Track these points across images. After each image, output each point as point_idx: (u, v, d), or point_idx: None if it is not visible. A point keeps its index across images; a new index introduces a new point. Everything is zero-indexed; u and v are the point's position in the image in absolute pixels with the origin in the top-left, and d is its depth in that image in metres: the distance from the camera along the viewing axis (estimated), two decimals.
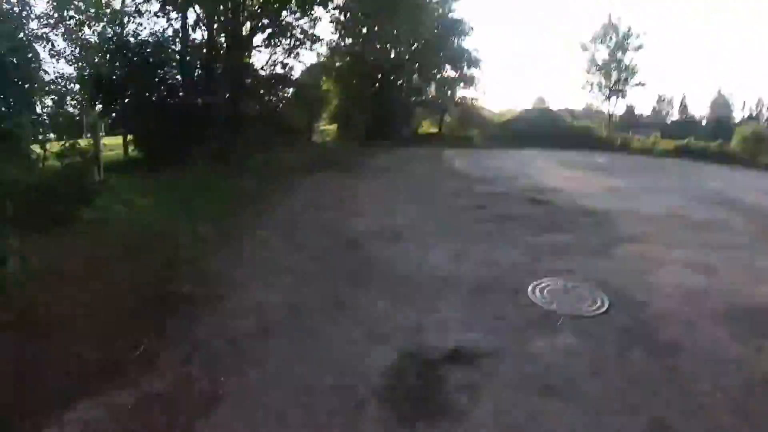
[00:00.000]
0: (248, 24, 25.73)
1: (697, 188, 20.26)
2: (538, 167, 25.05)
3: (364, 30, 38.34)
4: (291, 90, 29.93)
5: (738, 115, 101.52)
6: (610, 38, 51.77)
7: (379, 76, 39.64)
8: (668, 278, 8.26)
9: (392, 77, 40.33)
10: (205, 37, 24.40)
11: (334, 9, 34.00)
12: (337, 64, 39.88)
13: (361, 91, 39.58)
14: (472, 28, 42.98)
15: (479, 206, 13.91)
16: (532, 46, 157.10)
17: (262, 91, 27.90)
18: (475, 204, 14.41)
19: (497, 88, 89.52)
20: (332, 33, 37.48)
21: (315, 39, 29.28)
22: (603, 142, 45.65)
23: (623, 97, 54.13)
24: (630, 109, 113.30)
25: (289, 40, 27.72)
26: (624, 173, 25.21)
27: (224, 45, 25.06)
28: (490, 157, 29.68)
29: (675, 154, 45.22)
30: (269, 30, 26.60)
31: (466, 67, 44.03)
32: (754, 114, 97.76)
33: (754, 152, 46.78)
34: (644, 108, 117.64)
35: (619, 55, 52.08)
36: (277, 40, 27.17)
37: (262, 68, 27.75)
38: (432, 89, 45.46)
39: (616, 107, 59.78)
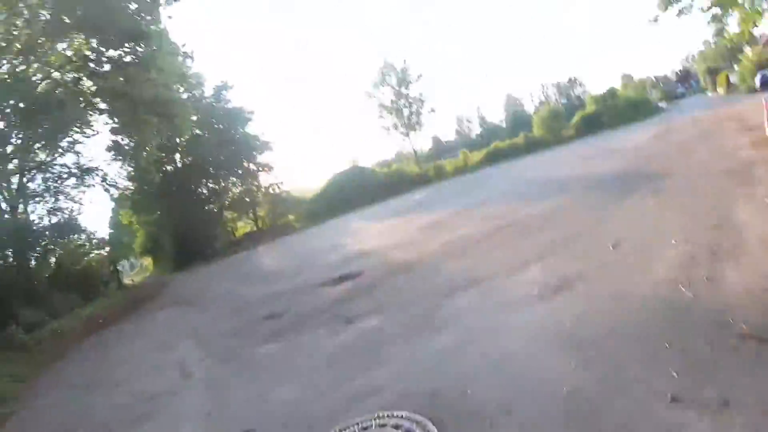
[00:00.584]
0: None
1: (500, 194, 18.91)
2: (353, 231, 22.18)
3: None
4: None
5: (531, 108, 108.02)
6: (390, 77, 51.31)
7: (174, 189, 35.14)
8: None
9: (189, 188, 36.60)
10: None
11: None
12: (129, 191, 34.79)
13: (161, 213, 35.21)
14: (252, 113, 41.23)
15: (269, 316, 10.32)
16: (329, 111, 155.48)
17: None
18: (262, 315, 10.60)
19: (305, 164, 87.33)
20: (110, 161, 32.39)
21: (85, 171, 26.87)
22: (418, 178, 43.80)
23: (420, 128, 53.09)
24: (437, 139, 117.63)
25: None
26: (440, 200, 23.41)
27: None
28: (298, 243, 26.36)
29: (487, 162, 44.75)
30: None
31: (258, 155, 41.42)
32: (543, 100, 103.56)
33: (555, 130, 48.32)
34: (449, 133, 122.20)
35: (403, 90, 51.42)
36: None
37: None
38: (234, 188, 41.71)
39: (420, 142, 59.54)
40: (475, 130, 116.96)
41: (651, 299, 5.12)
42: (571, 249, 8.11)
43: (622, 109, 48.16)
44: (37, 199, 25.38)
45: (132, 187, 34.09)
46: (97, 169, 28.03)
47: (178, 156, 37.93)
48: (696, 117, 27.29)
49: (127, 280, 35.30)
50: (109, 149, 29.92)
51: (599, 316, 5.12)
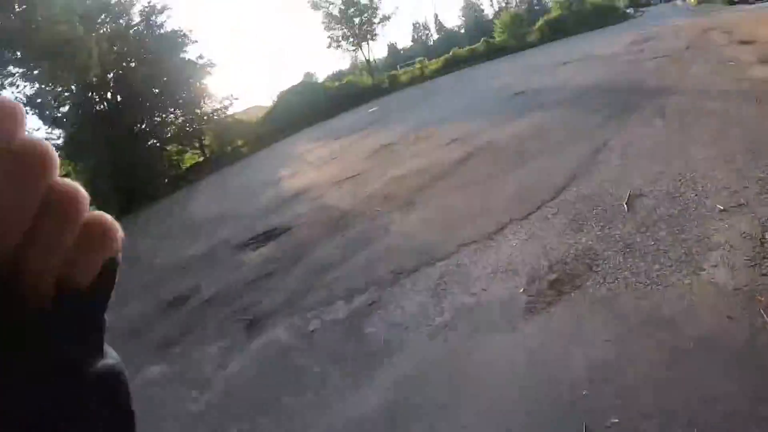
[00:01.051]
0: None
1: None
2: (296, 157, 19.13)
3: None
4: None
5: (491, 14, 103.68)
6: None
7: (109, 130, 31.62)
8: None
9: (124, 126, 32.84)
10: None
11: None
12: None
13: (98, 157, 31.76)
14: (186, 36, 36.91)
15: (173, 302, 7.90)
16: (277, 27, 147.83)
17: None
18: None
19: (253, 85, 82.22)
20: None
21: None
22: (372, 90, 40.65)
23: (373, 38, 48.95)
24: (393, 47, 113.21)
25: None
26: (394, 115, 20.68)
27: None
28: (237, 175, 23.12)
29: (446, 70, 41.83)
30: None
31: (198, 81, 37.52)
32: (503, 5, 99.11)
33: (518, 36, 45.44)
34: (406, 40, 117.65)
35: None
36: None
37: None
38: (176, 119, 38.00)
39: (376, 51, 55.52)
40: (434, 37, 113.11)
41: None
42: (567, 202, 5.69)
43: (589, 14, 45.42)
44: None
45: (57, 136, 31.94)
46: None
47: (109, 95, 33.78)
48: (676, 25, 24.53)
49: None
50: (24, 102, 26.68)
51: None
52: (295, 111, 37.31)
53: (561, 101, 11.72)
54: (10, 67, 26.09)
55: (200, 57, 37.48)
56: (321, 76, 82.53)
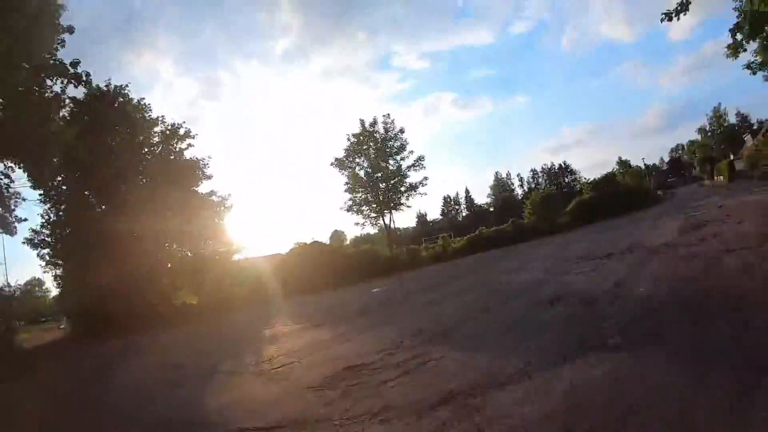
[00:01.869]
0: None
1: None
2: (262, 342, 14.36)
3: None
4: None
5: (520, 193, 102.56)
6: (369, 146, 44.90)
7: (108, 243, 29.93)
8: None
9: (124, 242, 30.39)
10: None
11: None
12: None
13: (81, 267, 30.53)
14: (207, 164, 35.82)
15: None
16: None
17: None
18: None
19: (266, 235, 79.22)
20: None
21: None
22: (388, 263, 36.86)
23: (396, 208, 45.83)
24: (422, 218, 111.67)
25: None
26: (393, 310, 15.77)
27: None
28: (198, 341, 19.24)
29: (470, 249, 38.22)
30: None
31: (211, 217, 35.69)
32: (533, 186, 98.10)
33: (548, 217, 42.34)
34: (436, 211, 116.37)
35: (384, 164, 44.72)
36: None
37: None
38: (178, 251, 35.65)
39: (397, 220, 52.23)
40: (463, 213, 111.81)
41: None
42: None
43: (622, 196, 42.91)
44: None
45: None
46: None
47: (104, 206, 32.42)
48: (725, 205, 21.41)
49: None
50: None
51: None
52: (298, 271, 34.30)
53: (628, 327, 6.97)
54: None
55: (212, 192, 35.77)
56: (350, 236, 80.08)
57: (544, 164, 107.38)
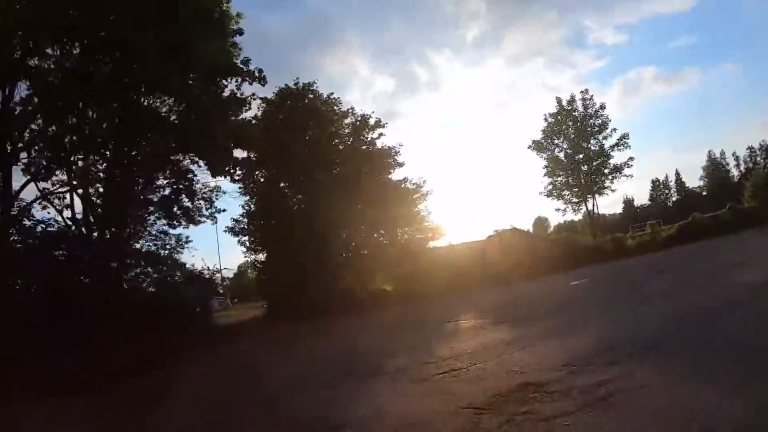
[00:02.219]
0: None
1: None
2: (442, 341, 12.45)
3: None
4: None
5: (736, 173, 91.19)
6: (568, 126, 41.79)
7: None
8: None
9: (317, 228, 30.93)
10: None
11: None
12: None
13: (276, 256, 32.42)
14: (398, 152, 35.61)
15: None
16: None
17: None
18: None
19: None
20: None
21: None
22: (592, 251, 33.86)
23: (599, 193, 42.17)
24: (629, 204, 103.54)
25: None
26: (590, 305, 14.31)
27: None
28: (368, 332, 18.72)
29: (682, 238, 33.98)
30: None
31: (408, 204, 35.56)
32: (751, 166, 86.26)
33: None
34: (644, 195, 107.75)
35: (585, 144, 41.34)
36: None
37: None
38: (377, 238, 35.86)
39: (602, 206, 48.23)
40: (673, 197, 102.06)
41: None
42: None
43: None
44: None
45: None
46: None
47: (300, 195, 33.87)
48: None
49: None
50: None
51: None
52: (494, 261, 32.84)
53: None
54: None
55: (406, 179, 35.98)
56: (554, 222, 77.05)
57: (763, 140, 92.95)
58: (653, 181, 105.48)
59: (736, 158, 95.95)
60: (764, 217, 33.68)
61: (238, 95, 26.06)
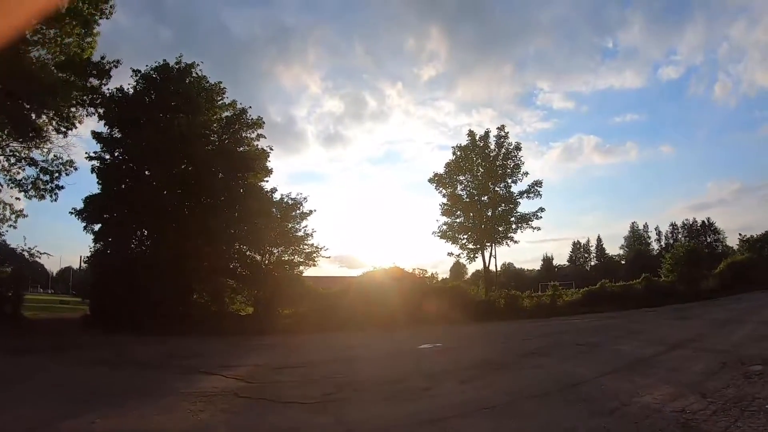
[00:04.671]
0: None
1: None
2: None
3: None
4: None
5: (656, 247, 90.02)
6: (477, 164, 36.16)
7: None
8: None
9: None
10: None
11: None
12: None
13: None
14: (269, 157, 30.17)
15: None
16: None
17: None
18: None
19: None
20: None
21: None
22: (481, 307, 28.34)
23: (499, 242, 35.90)
24: (548, 261, 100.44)
25: None
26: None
27: None
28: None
29: (586, 306, 28.61)
30: None
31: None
32: (671, 242, 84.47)
33: (690, 279, 32.01)
34: (564, 255, 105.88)
35: (492, 186, 35.80)
36: None
37: None
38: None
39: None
40: (593, 260, 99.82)
41: None
42: None
43: None
44: None
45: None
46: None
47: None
48: None
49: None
50: None
51: None
52: (361, 302, 26.38)
53: None
54: None
55: (281, 194, 29.54)
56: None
57: (686, 219, 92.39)
58: (574, 243, 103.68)
59: (658, 233, 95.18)
60: (680, 294, 29.07)
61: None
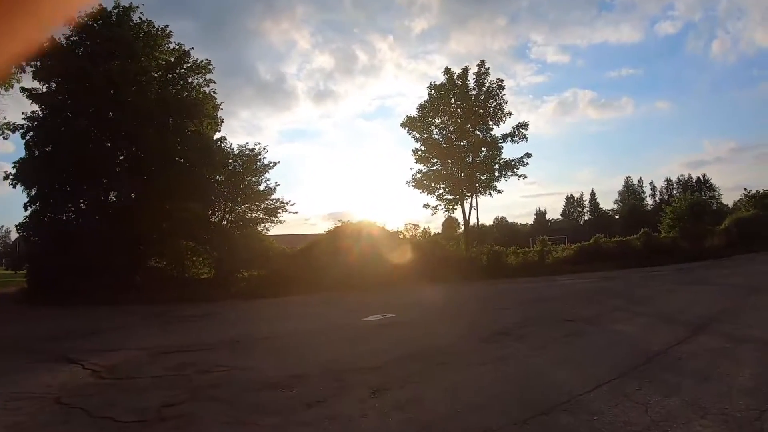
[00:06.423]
0: None
1: None
2: None
3: None
4: None
5: (650, 202, 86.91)
6: (455, 105, 31.68)
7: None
8: None
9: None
10: None
11: None
12: None
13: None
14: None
15: None
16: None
17: None
18: None
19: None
20: None
21: None
22: (460, 265, 24.93)
23: (478, 193, 31.87)
24: (541, 216, 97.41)
25: None
26: None
27: None
28: None
29: (579, 263, 25.07)
30: None
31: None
32: (666, 197, 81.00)
33: (696, 233, 28.55)
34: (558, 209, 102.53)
35: (472, 130, 31.69)
36: None
37: None
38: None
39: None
40: (586, 215, 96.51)
41: None
42: None
43: None
44: None
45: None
46: None
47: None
48: None
49: None
50: None
51: None
52: (328, 258, 23.01)
53: None
54: None
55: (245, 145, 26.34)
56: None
57: (681, 175, 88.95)
58: (567, 197, 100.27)
59: (653, 188, 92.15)
60: (683, 251, 25.60)
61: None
